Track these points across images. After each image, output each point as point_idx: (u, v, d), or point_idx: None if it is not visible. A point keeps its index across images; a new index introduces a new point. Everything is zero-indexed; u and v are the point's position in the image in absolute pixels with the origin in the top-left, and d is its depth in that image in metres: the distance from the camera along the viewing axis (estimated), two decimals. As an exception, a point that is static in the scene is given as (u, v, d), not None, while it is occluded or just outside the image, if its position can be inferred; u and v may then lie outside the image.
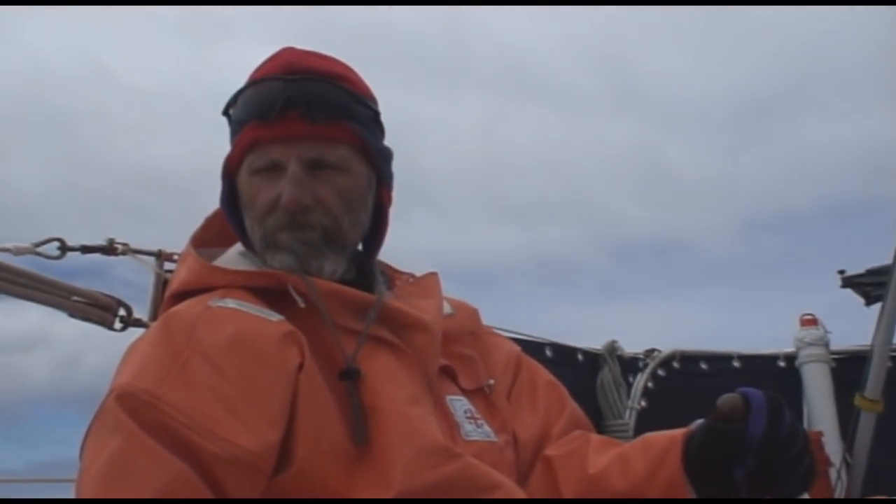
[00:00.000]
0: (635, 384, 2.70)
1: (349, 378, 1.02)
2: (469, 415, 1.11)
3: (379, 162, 1.19)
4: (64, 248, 1.74)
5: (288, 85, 1.11)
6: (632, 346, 2.79)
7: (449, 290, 1.31)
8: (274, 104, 1.10)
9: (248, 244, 1.18)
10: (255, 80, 1.15)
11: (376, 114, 1.20)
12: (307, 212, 1.10)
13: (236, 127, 1.14)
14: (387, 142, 1.23)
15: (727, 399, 1.00)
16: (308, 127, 1.11)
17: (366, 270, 1.20)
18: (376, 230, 1.21)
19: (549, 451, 1.19)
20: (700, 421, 1.05)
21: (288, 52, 1.18)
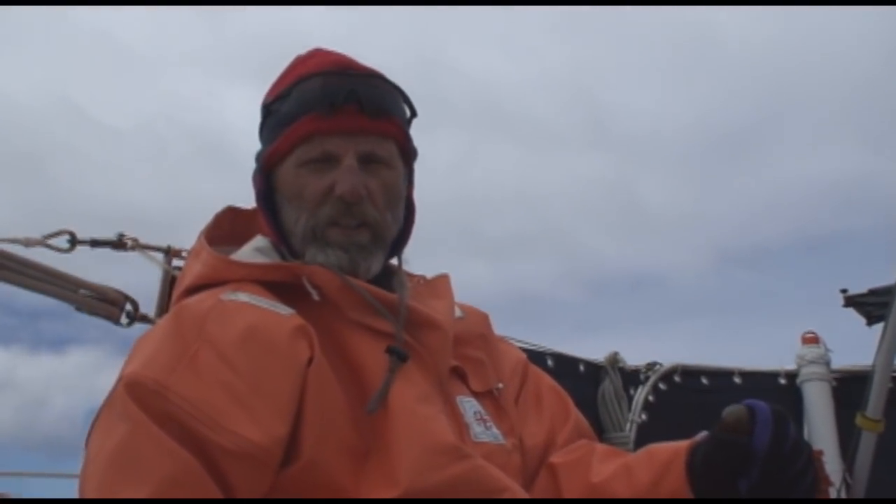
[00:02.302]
0: (636, 397, 2.69)
1: (398, 356, 1.03)
2: (478, 416, 1.11)
3: (412, 161, 1.22)
4: (74, 241, 1.75)
5: (349, 80, 1.13)
6: (633, 359, 2.78)
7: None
8: (336, 97, 1.12)
9: (279, 238, 1.18)
10: (310, 75, 1.15)
11: (413, 114, 1.22)
12: (361, 203, 1.11)
13: (286, 119, 1.15)
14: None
15: (732, 411, 0.99)
16: (365, 121, 1.13)
17: (386, 270, 1.20)
18: (404, 229, 1.22)
19: (554, 458, 1.19)
20: (705, 432, 1.05)
21: (327, 52, 1.20)
